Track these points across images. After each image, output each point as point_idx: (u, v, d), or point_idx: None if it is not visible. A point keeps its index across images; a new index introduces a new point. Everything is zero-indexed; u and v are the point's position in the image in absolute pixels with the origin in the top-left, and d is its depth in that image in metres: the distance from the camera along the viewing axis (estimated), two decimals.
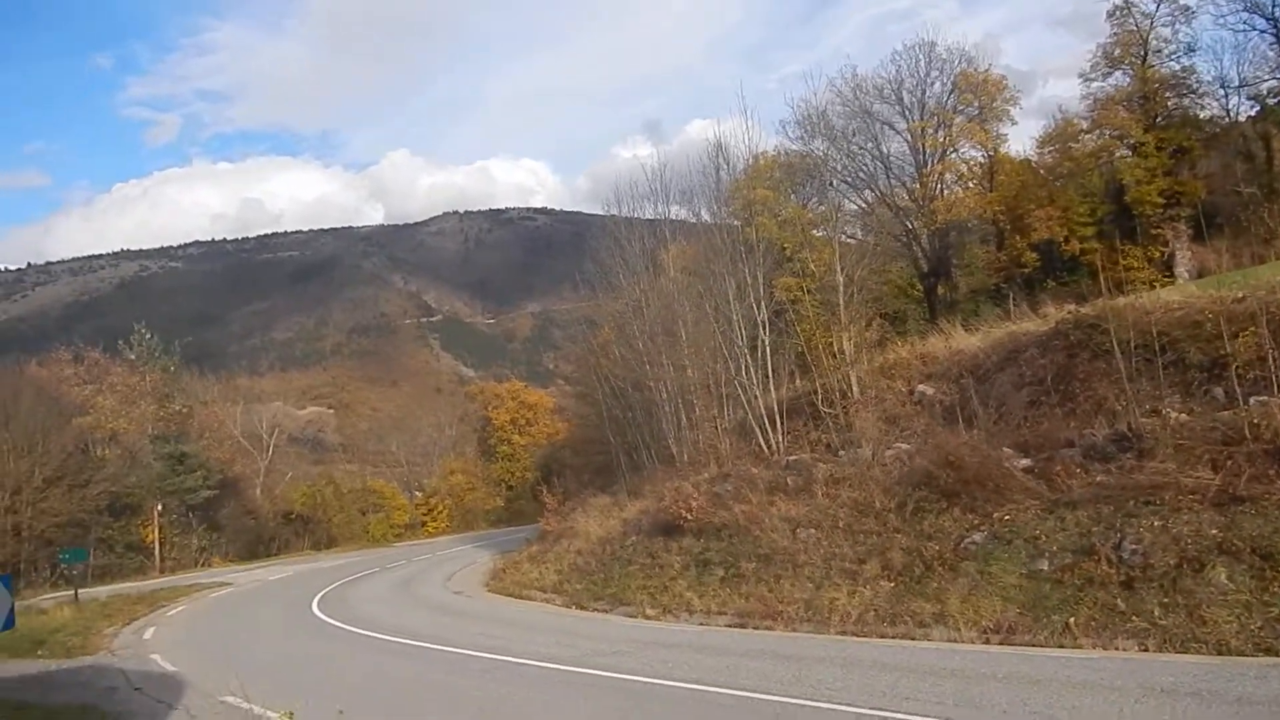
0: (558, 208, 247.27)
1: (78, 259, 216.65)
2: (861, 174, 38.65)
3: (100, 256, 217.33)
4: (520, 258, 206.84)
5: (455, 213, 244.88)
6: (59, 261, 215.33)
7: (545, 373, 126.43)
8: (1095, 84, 35.62)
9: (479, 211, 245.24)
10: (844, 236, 33.44)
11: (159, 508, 49.73)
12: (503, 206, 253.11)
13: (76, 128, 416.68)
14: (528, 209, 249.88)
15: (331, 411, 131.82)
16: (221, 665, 15.59)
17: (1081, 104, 36.17)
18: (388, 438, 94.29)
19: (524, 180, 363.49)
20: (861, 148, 38.27)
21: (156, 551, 49.48)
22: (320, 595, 27.12)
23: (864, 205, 39.39)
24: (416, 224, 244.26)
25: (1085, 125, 35.93)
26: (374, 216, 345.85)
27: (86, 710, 12.07)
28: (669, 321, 29.18)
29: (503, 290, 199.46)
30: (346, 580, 32.10)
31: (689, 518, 19.98)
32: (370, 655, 15.99)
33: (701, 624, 15.73)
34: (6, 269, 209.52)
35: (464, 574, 30.59)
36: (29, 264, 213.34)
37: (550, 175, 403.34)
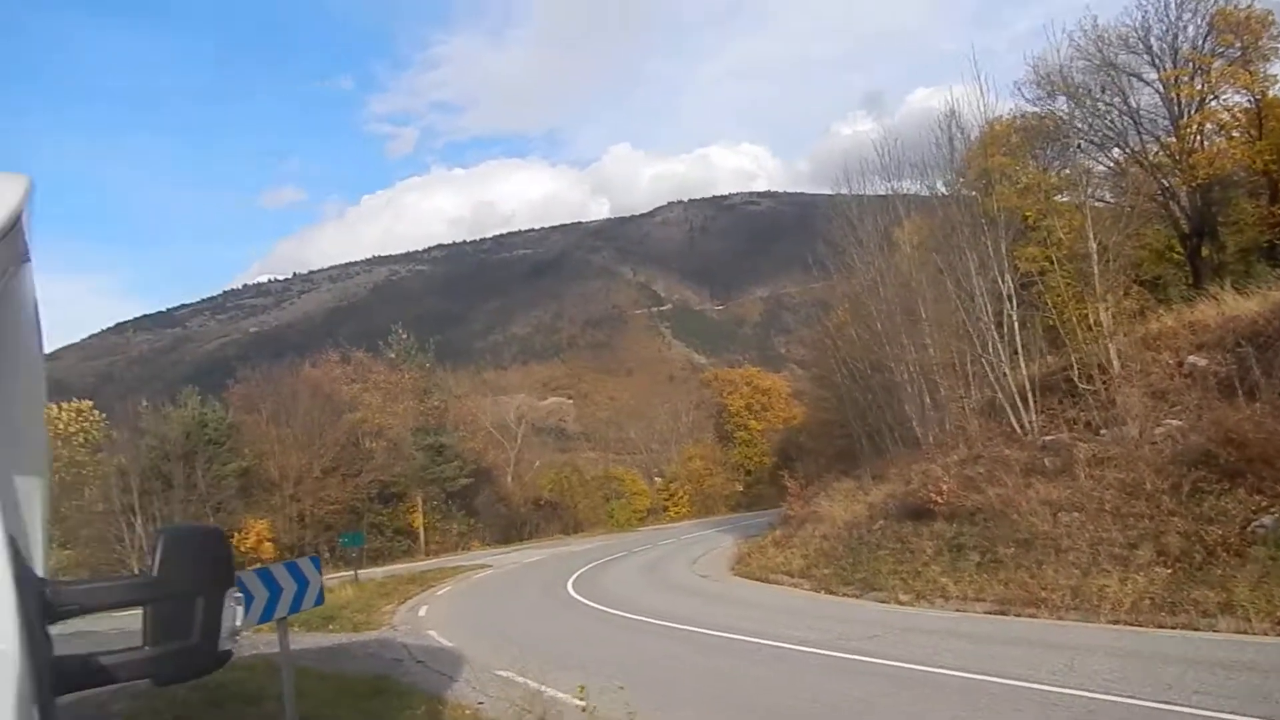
0: (781, 190, 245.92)
1: (335, 267, 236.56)
2: (1109, 132, 35.89)
3: (355, 264, 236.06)
4: (745, 243, 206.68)
5: (679, 202, 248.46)
6: (319, 270, 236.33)
7: (777, 357, 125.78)
8: None
9: (702, 199, 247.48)
10: (1093, 200, 31.32)
11: (422, 495, 53.56)
12: (725, 193, 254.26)
13: (326, 146, 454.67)
14: (750, 194, 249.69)
15: (571, 401, 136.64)
16: (492, 641, 16.66)
17: None
18: (626, 425, 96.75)
19: (744, 165, 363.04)
20: (1108, 104, 35.52)
21: (421, 536, 53.34)
22: (574, 577, 28.29)
23: (1113, 165, 36.59)
24: (641, 215, 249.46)
25: None
26: (600, 211, 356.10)
27: (380, 680, 13.13)
28: (907, 300, 28.38)
29: (730, 276, 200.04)
30: (596, 563, 33.27)
31: (939, 501, 19.43)
32: (627, 634, 16.59)
33: (958, 610, 15.27)
34: (275, 279, 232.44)
35: (709, 558, 31.05)
36: (294, 274, 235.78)
37: (770, 158, 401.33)
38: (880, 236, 30.82)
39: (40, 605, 2.26)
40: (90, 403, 51.84)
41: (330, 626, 20.67)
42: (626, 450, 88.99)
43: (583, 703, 8.35)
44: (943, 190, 29.82)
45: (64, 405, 49.67)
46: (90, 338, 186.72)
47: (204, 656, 2.49)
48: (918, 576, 17.55)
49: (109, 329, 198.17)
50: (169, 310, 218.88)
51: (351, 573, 32.69)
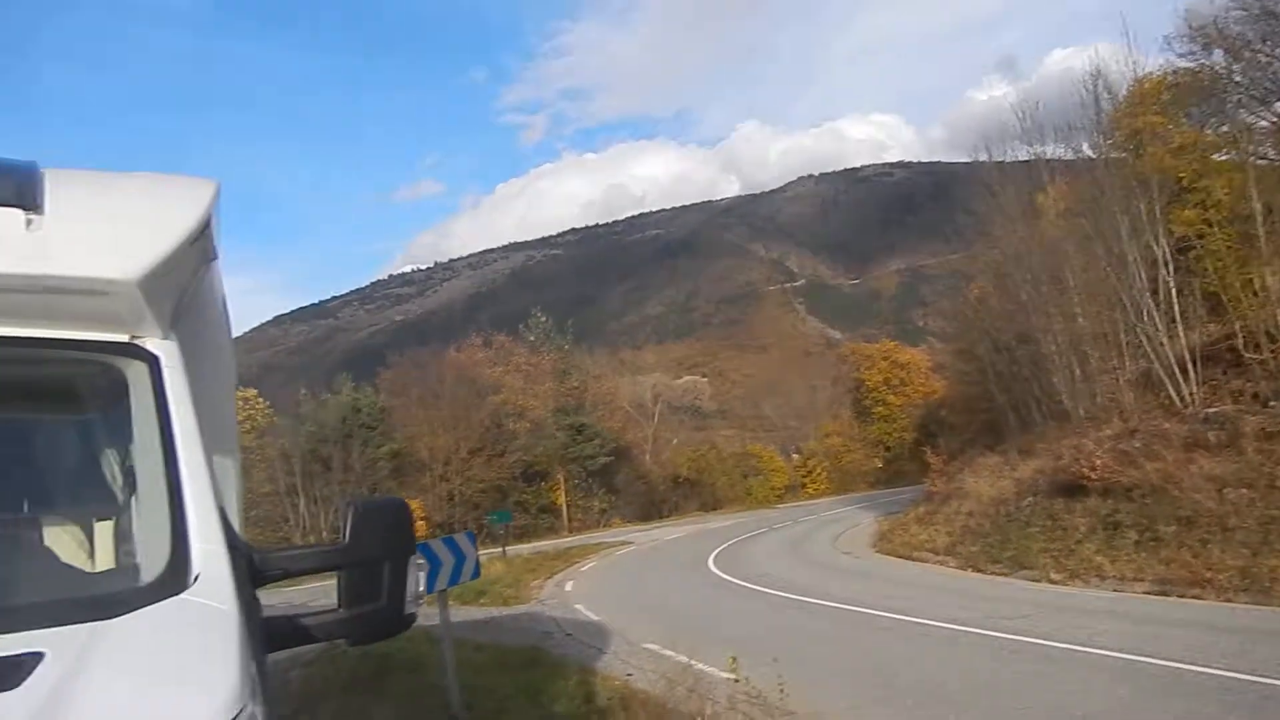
0: (914, 160, 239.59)
1: (474, 255, 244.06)
2: (1271, 85, 33.55)
3: (492, 251, 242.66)
4: (879, 215, 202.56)
5: (809, 176, 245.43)
6: (459, 259, 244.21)
7: (915, 331, 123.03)
8: None
9: (833, 173, 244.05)
10: (1255, 159, 29.39)
11: (564, 474, 54.81)
12: (857, 165, 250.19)
13: (462, 139, 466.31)
14: (883, 165, 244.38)
15: (705, 379, 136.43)
16: (637, 616, 17.00)
17: None
18: (761, 403, 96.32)
19: (875, 135, 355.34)
20: (1269, 55, 33.21)
21: (564, 513, 54.62)
22: (714, 553, 28.50)
23: (1276, 120, 34.25)
24: (771, 192, 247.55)
25: None
26: (730, 189, 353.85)
27: (533, 651, 13.57)
28: (1054, 268, 27.33)
29: (864, 250, 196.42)
30: (736, 540, 33.36)
31: (1092, 477, 18.74)
32: (771, 610, 16.66)
33: (1116, 590, 14.74)
34: (417, 269, 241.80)
35: (850, 535, 30.79)
36: (435, 263, 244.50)
37: (903, 128, 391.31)
38: (1023, 203, 29.77)
39: (249, 570, 2.54)
40: (255, 391, 54.94)
41: (481, 600, 21.42)
42: (763, 427, 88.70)
43: (733, 675, 8.46)
44: (1089, 153, 28.57)
45: None
46: (252, 331, 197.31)
47: (392, 618, 2.76)
48: (1071, 555, 17.03)
49: (268, 322, 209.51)
50: (321, 302, 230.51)
51: (500, 549, 33.68)
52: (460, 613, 19.42)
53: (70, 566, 2.80)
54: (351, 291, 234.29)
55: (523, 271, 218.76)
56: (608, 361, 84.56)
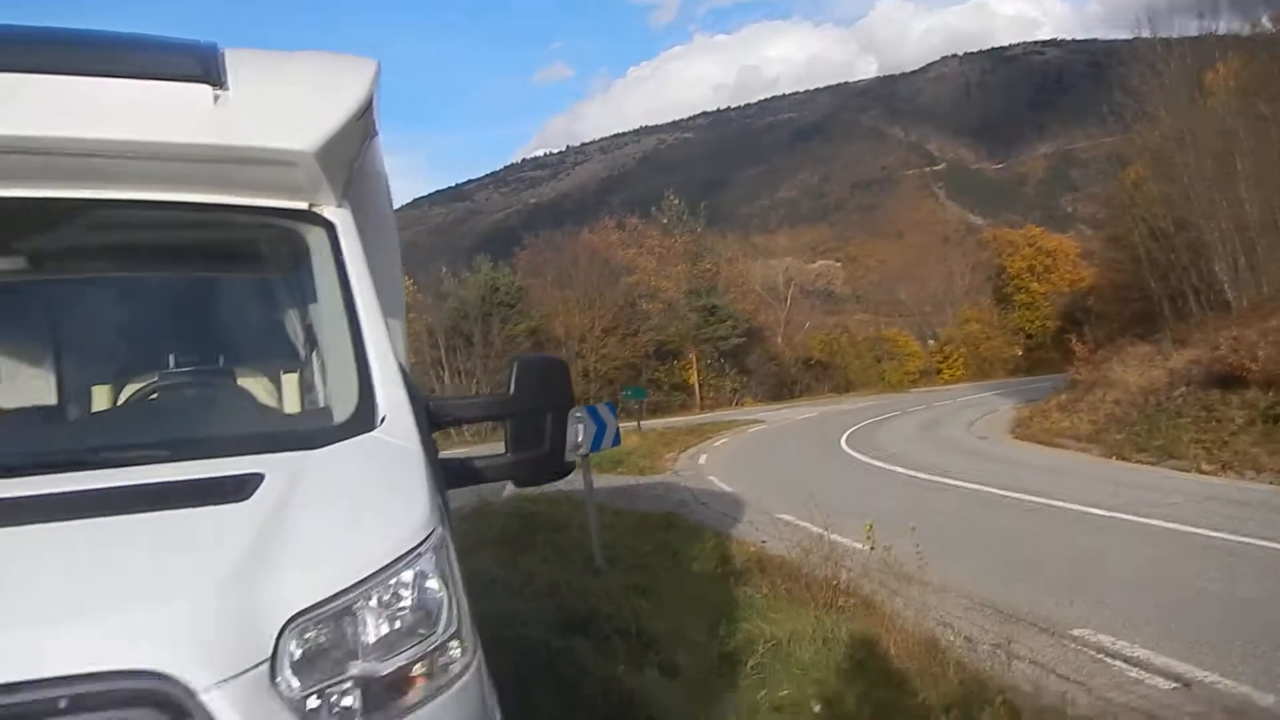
0: (1068, 38, 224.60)
1: (604, 138, 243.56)
2: None
3: (623, 135, 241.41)
4: (1028, 96, 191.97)
5: (953, 56, 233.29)
6: (590, 142, 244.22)
7: (1064, 217, 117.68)
8: None
9: (978, 52, 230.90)
10: None
11: (696, 353, 55.48)
12: (1005, 44, 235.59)
13: (591, 21, 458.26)
14: (1033, 43, 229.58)
15: (839, 265, 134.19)
16: (769, 488, 17.27)
17: None
18: (896, 289, 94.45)
19: (1026, 11, 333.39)
20: None
21: (696, 391, 55.52)
22: (847, 433, 28.55)
23: None
24: (912, 73, 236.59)
25: None
26: (867, 70, 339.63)
27: (669, 517, 14.05)
28: (1221, 152, 25.61)
29: (1010, 133, 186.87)
30: (869, 421, 33.28)
31: (1254, 369, 17.88)
32: (905, 488, 16.70)
33: (1272, 483, 14.22)
34: (549, 153, 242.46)
35: (986, 420, 30.31)
36: (567, 147, 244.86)
37: (1056, 3, 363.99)
38: (1189, 82, 27.81)
39: (427, 416, 2.81)
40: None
41: (618, 470, 22.18)
42: (898, 313, 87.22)
43: (869, 544, 8.58)
44: (1268, 25, 26.32)
45: None
46: (394, 212, 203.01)
47: (553, 464, 3.06)
48: (1224, 446, 16.41)
49: (407, 205, 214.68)
50: (458, 185, 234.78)
51: (634, 424, 34.51)
52: (598, 480, 20.05)
53: (270, 407, 3.15)
54: (486, 175, 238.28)
55: (654, 155, 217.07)
56: (739, 245, 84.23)
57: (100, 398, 3.18)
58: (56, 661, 1.65)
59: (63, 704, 1.62)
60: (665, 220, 67.08)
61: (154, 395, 3.15)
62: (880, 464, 20.56)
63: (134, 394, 3.16)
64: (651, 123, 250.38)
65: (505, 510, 14.07)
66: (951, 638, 7.21)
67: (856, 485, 17.69)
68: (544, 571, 9.42)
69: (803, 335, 69.63)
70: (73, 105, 2.54)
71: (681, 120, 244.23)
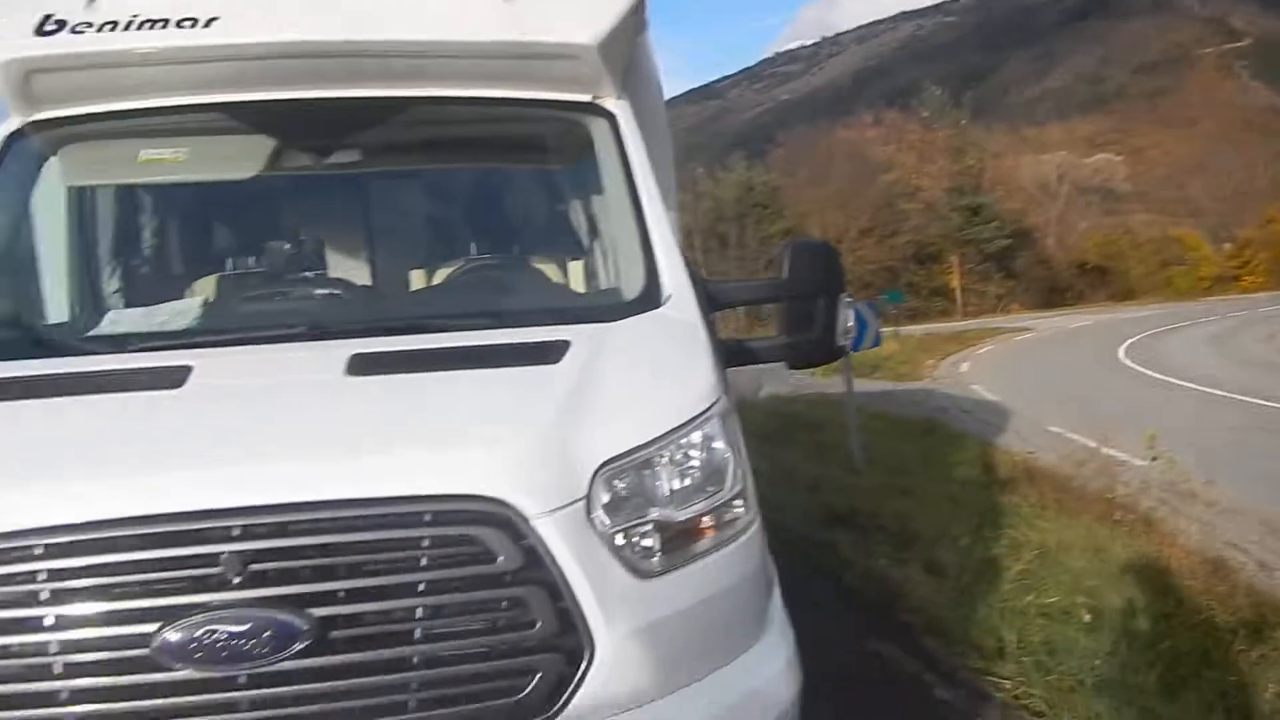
0: None
1: (861, 27, 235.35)
2: None
3: (880, 22, 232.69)
4: None
5: None
6: (846, 32, 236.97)
7: None
8: None
9: None
10: None
11: (958, 256, 53.20)
12: None
13: None
14: None
15: (1120, 158, 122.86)
16: (1038, 399, 16.55)
17: None
18: (1187, 184, 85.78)
19: None
20: None
21: (958, 297, 53.46)
22: (1126, 344, 26.85)
23: None
24: None
25: None
26: None
27: (929, 423, 13.73)
28: None
29: None
30: (1151, 332, 31.17)
31: None
32: (1193, 405, 15.53)
33: None
34: (803, 45, 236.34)
35: None
36: (822, 38, 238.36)
37: None
38: None
39: (706, 297, 2.94)
40: None
41: (875, 374, 21.87)
42: (1188, 212, 79.49)
43: (1152, 456, 8.02)
44: None
45: None
46: None
47: (825, 347, 3.13)
48: None
49: None
50: (710, 84, 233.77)
51: (892, 329, 33.76)
52: (856, 384, 19.98)
53: (565, 287, 3.41)
54: (739, 71, 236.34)
55: (913, 42, 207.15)
56: (1007, 139, 79.14)
57: (417, 279, 3.58)
58: (418, 481, 1.97)
59: (427, 518, 1.94)
60: (925, 113, 64.20)
61: (465, 277, 3.53)
62: (1165, 378, 19.27)
63: (447, 276, 3.54)
64: (911, 7, 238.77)
65: (764, 408, 14.32)
66: (1243, 560, 6.72)
67: (1137, 400, 16.54)
68: (804, 467, 9.61)
69: (1077, 237, 65.23)
70: (382, 11, 2.91)
71: (944, 3, 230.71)
